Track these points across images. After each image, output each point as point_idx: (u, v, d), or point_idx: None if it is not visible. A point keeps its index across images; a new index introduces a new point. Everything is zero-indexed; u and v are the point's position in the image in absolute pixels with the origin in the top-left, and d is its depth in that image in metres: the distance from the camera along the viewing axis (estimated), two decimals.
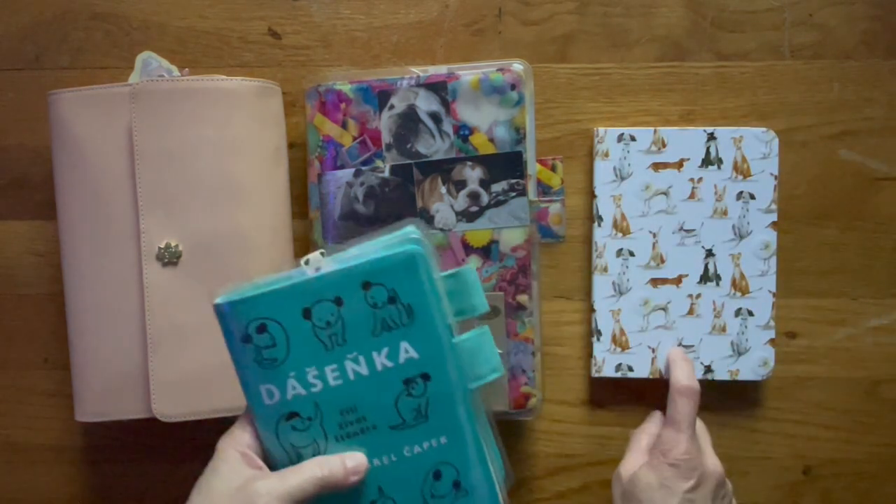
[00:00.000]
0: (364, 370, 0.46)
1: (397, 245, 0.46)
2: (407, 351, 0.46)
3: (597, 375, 0.60)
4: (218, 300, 0.45)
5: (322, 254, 0.46)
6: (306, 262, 0.46)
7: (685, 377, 0.55)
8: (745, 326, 0.59)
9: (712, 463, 0.54)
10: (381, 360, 0.46)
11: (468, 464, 0.47)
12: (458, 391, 0.47)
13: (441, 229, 0.59)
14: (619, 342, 0.60)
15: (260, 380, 0.46)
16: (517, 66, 0.58)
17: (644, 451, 0.56)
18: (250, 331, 0.45)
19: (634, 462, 0.55)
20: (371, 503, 0.47)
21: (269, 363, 0.45)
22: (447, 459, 0.47)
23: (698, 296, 0.60)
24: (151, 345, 0.56)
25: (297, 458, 0.46)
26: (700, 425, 0.57)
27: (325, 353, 0.45)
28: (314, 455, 0.46)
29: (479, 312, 0.48)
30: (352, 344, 0.46)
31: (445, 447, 0.47)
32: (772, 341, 0.59)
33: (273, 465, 0.46)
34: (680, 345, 0.60)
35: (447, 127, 0.58)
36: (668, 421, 0.54)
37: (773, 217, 0.59)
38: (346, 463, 0.45)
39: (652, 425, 0.58)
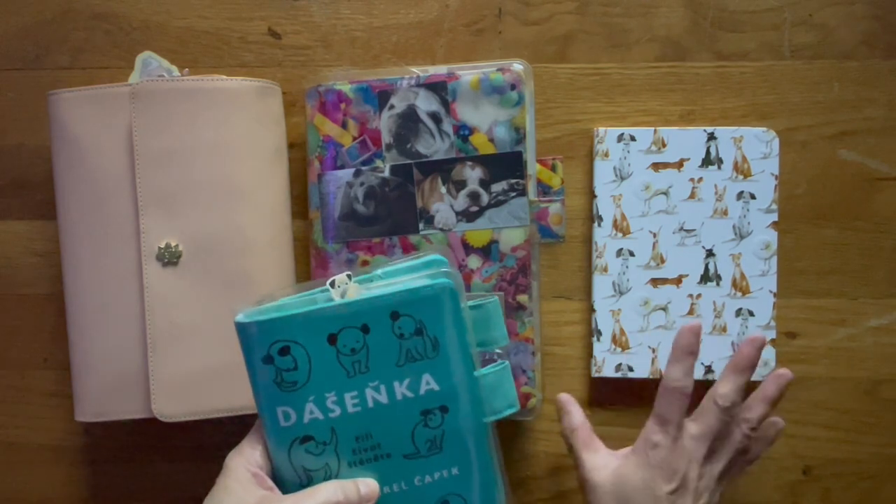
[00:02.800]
0: (384, 399, 0.46)
1: (426, 276, 0.46)
2: (428, 383, 0.46)
3: (597, 375, 0.60)
4: (240, 318, 0.45)
5: (349, 276, 0.46)
6: (332, 285, 0.45)
7: (676, 375, 0.52)
8: (746, 327, 0.59)
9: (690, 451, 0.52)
10: (401, 389, 0.46)
11: (477, 496, 0.47)
12: (474, 424, 0.47)
13: (441, 229, 0.59)
14: (619, 342, 0.60)
15: (277, 401, 0.45)
16: (517, 66, 0.58)
17: (596, 445, 0.55)
18: (273, 352, 0.45)
19: (601, 463, 0.54)
20: None
21: (288, 386, 0.45)
22: (457, 490, 0.47)
23: (698, 296, 0.60)
24: (151, 345, 0.56)
25: (307, 481, 0.46)
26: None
27: (346, 379, 0.45)
28: (325, 478, 0.46)
29: (499, 345, 0.49)
30: (374, 372, 0.45)
31: (456, 478, 0.47)
32: (772, 341, 0.59)
33: (281, 485, 0.46)
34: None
35: (447, 127, 0.58)
36: (653, 415, 0.53)
37: (774, 217, 0.59)
38: (361, 489, 0.45)
39: (575, 415, 0.56)
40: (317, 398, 0.45)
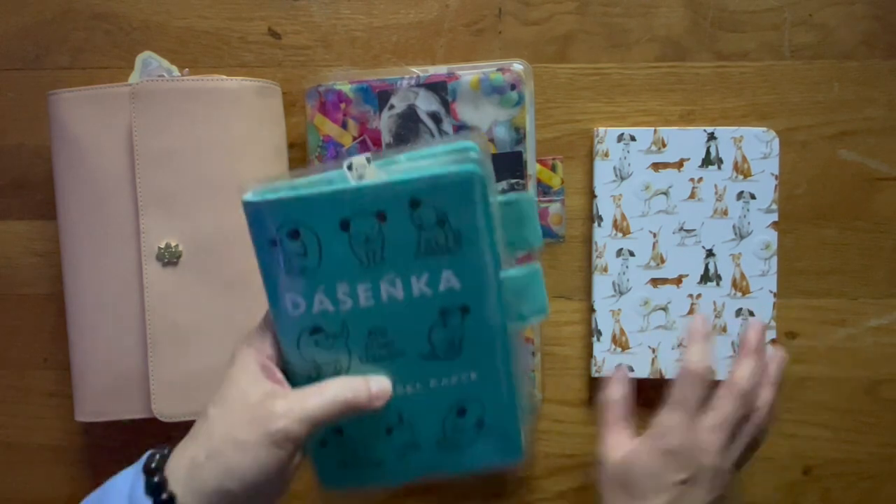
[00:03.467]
0: (399, 293, 0.42)
1: (454, 162, 0.41)
2: (448, 280, 0.42)
3: (597, 375, 0.60)
4: (247, 196, 0.41)
5: (368, 159, 0.41)
6: (349, 167, 0.41)
7: (697, 357, 0.51)
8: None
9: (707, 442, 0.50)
10: (419, 285, 0.42)
11: (496, 404, 0.44)
12: (497, 329, 0.43)
13: None
14: (619, 342, 0.60)
15: (286, 288, 0.42)
16: (517, 66, 0.58)
17: (623, 426, 0.53)
18: (281, 235, 0.41)
19: (619, 443, 0.52)
20: (388, 430, 0.44)
21: (297, 272, 0.41)
22: (475, 396, 0.44)
23: (699, 296, 0.60)
24: (151, 345, 0.56)
25: (316, 374, 0.43)
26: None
27: (359, 269, 0.41)
28: (335, 373, 0.43)
29: (531, 247, 0.44)
30: (390, 263, 0.41)
31: (475, 384, 0.44)
32: (772, 341, 0.59)
33: (290, 376, 0.43)
34: (680, 345, 0.59)
35: (447, 127, 0.58)
36: (669, 401, 0.51)
37: (774, 217, 0.59)
38: (371, 387, 0.42)
39: (619, 388, 0.54)
40: (327, 287, 0.41)
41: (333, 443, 0.45)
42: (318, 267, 0.41)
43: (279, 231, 0.41)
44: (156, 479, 0.40)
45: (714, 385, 0.52)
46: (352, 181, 0.40)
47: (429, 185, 0.40)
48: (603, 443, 0.53)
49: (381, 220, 0.41)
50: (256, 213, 0.41)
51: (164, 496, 0.40)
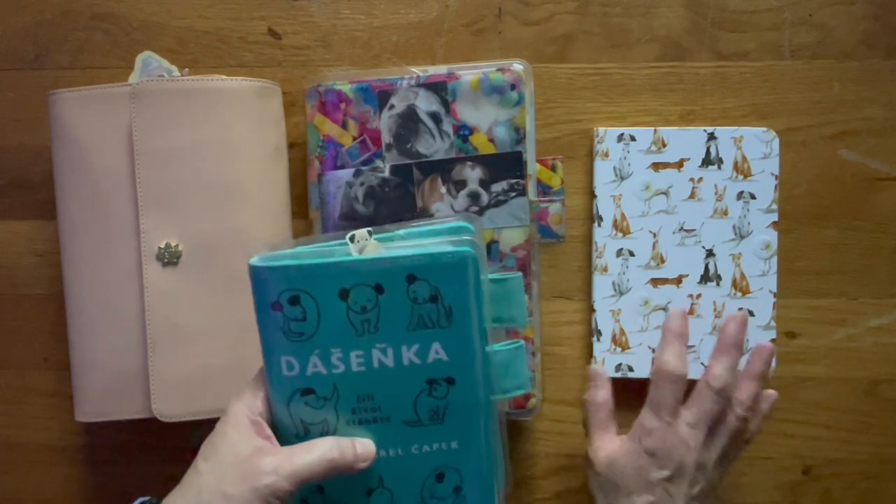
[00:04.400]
0: (390, 362, 0.44)
1: (449, 242, 0.44)
2: (437, 352, 0.44)
3: None
4: (253, 261, 0.44)
5: (369, 232, 0.44)
6: (351, 239, 0.44)
7: (672, 358, 0.52)
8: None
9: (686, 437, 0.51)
10: (409, 354, 0.44)
11: (474, 473, 0.46)
12: (480, 402, 0.45)
13: None
14: (619, 342, 0.60)
15: (282, 350, 0.44)
16: (517, 66, 0.58)
17: (608, 427, 0.54)
18: (282, 299, 0.43)
19: (604, 444, 0.53)
20: (368, 492, 0.46)
21: (295, 336, 0.44)
22: (453, 464, 0.46)
23: (698, 296, 0.60)
24: (151, 345, 0.56)
25: (304, 434, 0.45)
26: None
27: (354, 337, 0.44)
28: (322, 434, 0.45)
29: (517, 324, 0.47)
30: (383, 334, 0.44)
31: (455, 452, 0.46)
32: (772, 341, 0.59)
33: (278, 434, 0.45)
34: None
35: (447, 127, 0.58)
36: (648, 402, 0.52)
37: (774, 217, 0.59)
38: (357, 448, 0.44)
39: (602, 391, 0.55)
40: (322, 352, 0.44)
41: (315, 501, 0.46)
42: (315, 332, 0.44)
43: (281, 296, 0.43)
44: None
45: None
46: (353, 253, 0.43)
47: (426, 262, 0.43)
48: (590, 444, 0.54)
49: (379, 291, 0.43)
50: (260, 277, 0.43)
51: None
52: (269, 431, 0.44)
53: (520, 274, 0.47)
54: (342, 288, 0.43)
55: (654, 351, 0.60)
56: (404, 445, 0.45)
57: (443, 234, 0.45)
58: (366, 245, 0.44)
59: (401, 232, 0.45)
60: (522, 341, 0.47)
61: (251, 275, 0.44)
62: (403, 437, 0.45)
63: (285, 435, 0.45)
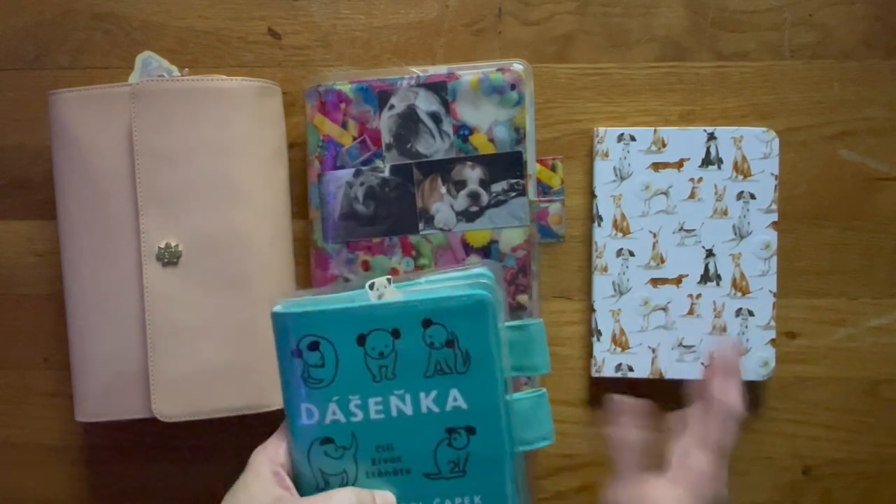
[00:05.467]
0: (408, 410, 0.44)
1: (466, 287, 0.44)
2: (456, 399, 0.44)
3: (597, 375, 0.60)
4: (277, 308, 0.44)
5: (389, 280, 0.44)
6: (371, 286, 0.44)
7: (740, 399, 0.51)
8: (746, 327, 0.59)
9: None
10: (427, 402, 0.44)
11: None
12: (502, 452, 0.45)
13: (441, 229, 0.59)
14: (619, 342, 0.60)
15: (302, 398, 0.44)
16: (517, 66, 0.58)
17: (638, 469, 0.52)
18: (302, 346, 0.44)
19: (641, 490, 0.50)
20: None
21: (314, 382, 0.44)
22: None
23: (698, 296, 0.60)
24: (151, 345, 0.56)
25: (324, 485, 0.45)
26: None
27: (372, 384, 0.44)
28: (341, 485, 0.45)
29: (540, 373, 0.47)
30: (401, 380, 0.44)
31: None
32: (772, 341, 0.59)
33: (298, 486, 0.45)
34: (680, 345, 0.59)
35: (447, 127, 0.58)
36: (709, 444, 0.50)
37: (774, 217, 0.59)
38: (377, 500, 0.44)
39: (630, 430, 0.53)
40: (341, 399, 0.44)
41: None
42: (333, 379, 0.44)
43: (301, 342, 0.44)
44: None
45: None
46: (371, 299, 0.44)
47: (441, 306, 0.44)
48: (617, 487, 0.52)
49: (396, 336, 0.44)
50: (283, 324, 0.44)
51: None
52: (289, 482, 0.44)
53: (541, 320, 0.46)
54: (359, 333, 0.44)
55: (653, 351, 0.60)
56: (426, 499, 0.45)
57: (463, 279, 0.45)
58: (384, 292, 0.44)
59: (422, 280, 0.45)
60: (545, 389, 0.46)
61: (274, 322, 0.44)
62: (425, 490, 0.45)
63: (305, 486, 0.45)
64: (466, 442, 0.44)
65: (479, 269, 0.45)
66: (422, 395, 0.44)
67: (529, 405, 0.46)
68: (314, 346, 0.44)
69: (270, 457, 0.45)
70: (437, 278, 0.45)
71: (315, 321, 0.44)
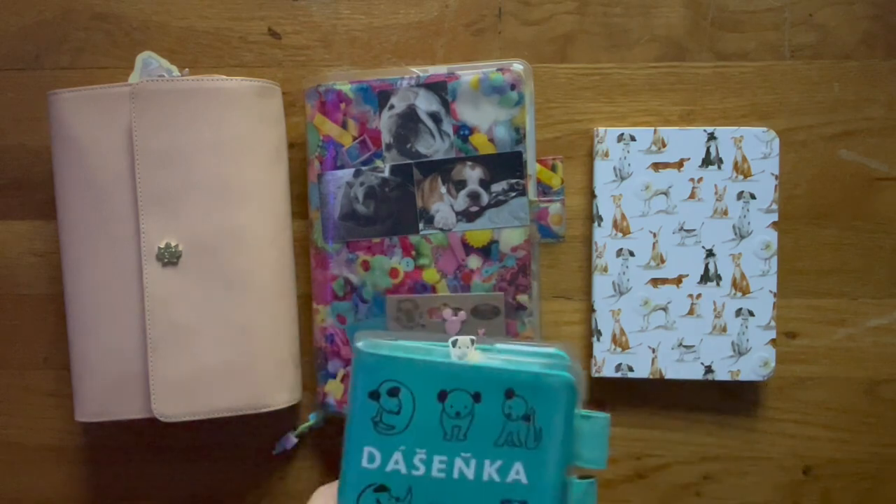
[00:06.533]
0: (470, 474, 0.45)
1: (550, 366, 0.45)
2: (518, 473, 0.45)
3: (597, 375, 0.60)
4: (362, 346, 0.45)
5: (472, 341, 0.45)
6: (454, 344, 0.45)
7: None
8: (746, 327, 0.59)
9: None
10: (490, 470, 0.45)
11: None
12: None
13: (441, 229, 0.59)
14: (619, 342, 0.60)
15: (368, 441, 0.45)
16: (517, 66, 0.58)
17: None
18: (382, 389, 0.44)
19: None
20: None
21: (385, 428, 0.45)
22: None
23: (699, 296, 0.60)
24: (151, 345, 0.56)
25: None
26: None
27: (441, 441, 0.44)
28: None
29: (596, 466, 0.47)
30: (471, 444, 0.45)
31: None
32: (772, 341, 0.59)
33: None
34: (680, 345, 0.59)
35: (447, 127, 0.58)
36: None
37: (774, 217, 0.59)
38: None
39: None
40: (407, 449, 0.44)
41: None
42: (405, 428, 0.44)
43: (382, 385, 0.44)
44: None
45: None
46: (454, 358, 0.44)
47: (527, 379, 0.44)
48: None
49: (476, 400, 0.44)
50: (367, 364, 0.44)
51: None
52: None
53: (608, 416, 0.47)
54: (442, 389, 0.44)
55: (653, 351, 0.60)
56: None
57: (540, 356, 0.46)
58: (467, 353, 0.45)
59: (499, 346, 0.46)
60: (595, 479, 0.47)
61: (356, 359, 0.45)
62: None
63: None
64: None
65: (555, 349, 0.46)
66: (487, 462, 0.45)
67: (584, 492, 0.46)
68: (394, 392, 0.44)
69: (329, 495, 0.45)
70: (513, 349, 0.46)
71: (400, 368, 0.44)
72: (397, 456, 0.44)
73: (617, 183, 0.60)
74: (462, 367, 0.44)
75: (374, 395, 0.44)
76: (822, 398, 0.62)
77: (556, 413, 0.45)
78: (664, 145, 0.59)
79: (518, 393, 0.44)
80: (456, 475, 0.44)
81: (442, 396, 0.44)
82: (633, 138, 0.59)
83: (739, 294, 0.59)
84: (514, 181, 0.58)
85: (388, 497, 0.45)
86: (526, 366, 0.45)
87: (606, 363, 0.60)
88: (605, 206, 0.60)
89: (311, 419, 0.61)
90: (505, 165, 0.58)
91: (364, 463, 0.45)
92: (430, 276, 0.59)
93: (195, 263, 0.56)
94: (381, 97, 0.58)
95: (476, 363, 0.44)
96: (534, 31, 0.61)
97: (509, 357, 0.45)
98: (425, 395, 0.44)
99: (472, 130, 0.58)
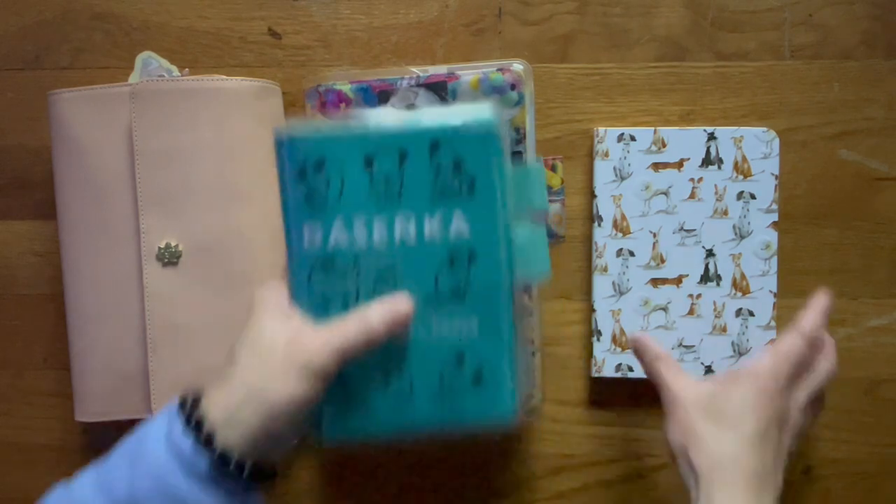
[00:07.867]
0: (412, 235, 0.44)
1: (473, 117, 0.45)
2: (459, 225, 0.44)
3: (597, 375, 0.60)
4: (279, 134, 0.45)
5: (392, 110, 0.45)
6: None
7: (813, 324, 0.50)
8: (746, 327, 0.59)
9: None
10: (430, 226, 0.44)
11: (494, 358, 0.45)
12: (501, 281, 0.45)
13: None
14: (619, 342, 0.60)
15: (305, 216, 0.45)
16: (517, 66, 0.58)
17: (681, 370, 0.51)
18: (307, 166, 0.44)
19: (690, 383, 0.50)
20: (386, 378, 0.45)
21: (319, 203, 0.44)
22: (474, 347, 0.45)
23: (699, 296, 0.60)
24: (151, 345, 0.56)
25: (323, 312, 0.45)
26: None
27: (377, 205, 0.44)
28: (344, 308, 0.44)
29: (538, 209, 0.47)
30: (406, 203, 0.44)
31: (476, 334, 0.45)
32: (772, 342, 0.59)
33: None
34: (680, 345, 0.59)
35: None
36: (778, 350, 0.50)
37: (774, 217, 0.59)
38: (399, 304, 0.44)
39: (660, 347, 0.52)
40: (345, 217, 0.44)
41: (336, 393, 0.45)
42: (338, 199, 0.44)
43: (306, 162, 0.44)
44: (193, 418, 0.41)
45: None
46: (370, 125, 0.44)
47: (450, 130, 0.44)
48: (670, 387, 0.50)
49: (403, 160, 0.44)
50: (286, 148, 0.44)
51: (205, 432, 0.41)
52: (299, 315, 0.44)
53: (541, 165, 0.47)
54: (366, 155, 0.44)
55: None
56: (425, 324, 0.45)
57: (466, 112, 0.45)
58: (386, 118, 0.45)
59: (423, 110, 0.46)
60: (543, 227, 0.47)
61: (277, 147, 0.44)
62: (424, 315, 0.45)
63: (306, 313, 0.45)
64: (467, 268, 0.45)
65: (480, 105, 0.46)
66: (427, 218, 0.44)
67: (530, 238, 0.46)
68: (319, 166, 0.44)
69: (276, 293, 0.45)
70: (437, 110, 0.46)
71: (322, 144, 0.44)
72: (337, 230, 0.44)
73: (617, 183, 0.60)
74: (383, 131, 0.44)
75: (301, 174, 0.44)
76: None
77: (484, 158, 0.44)
78: (664, 145, 0.59)
79: (443, 143, 0.44)
80: (398, 240, 0.44)
81: (368, 162, 0.44)
82: (633, 138, 0.59)
83: (739, 294, 0.59)
84: None
85: (337, 272, 0.45)
86: (447, 118, 0.44)
87: (606, 363, 0.60)
88: (605, 206, 0.60)
89: None
90: None
91: (306, 244, 0.45)
92: None
93: (195, 263, 0.56)
94: (381, 97, 0.58)
95: (397, 124, 0.44)
96: (534, 31, 0.61)
97: (435, 114, 0.46)
98: (351, 165, 0.44)
99: None
